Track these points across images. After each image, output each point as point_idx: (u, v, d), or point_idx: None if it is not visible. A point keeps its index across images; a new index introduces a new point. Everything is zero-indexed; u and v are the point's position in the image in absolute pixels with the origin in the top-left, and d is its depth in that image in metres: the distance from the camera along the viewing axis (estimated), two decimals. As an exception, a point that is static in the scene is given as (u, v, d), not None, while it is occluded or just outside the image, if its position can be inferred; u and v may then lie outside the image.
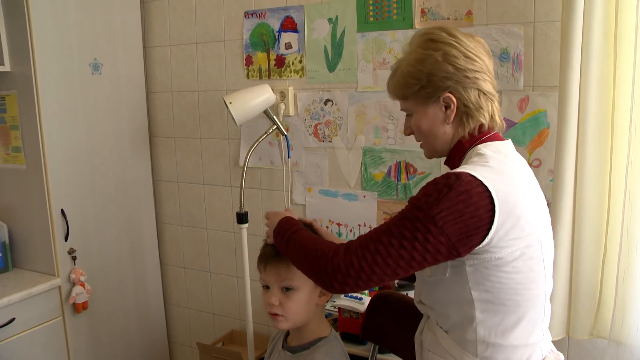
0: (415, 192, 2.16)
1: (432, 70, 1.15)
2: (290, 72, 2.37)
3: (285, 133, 2.33)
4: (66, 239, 2.35)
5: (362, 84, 2.22)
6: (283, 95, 2.37)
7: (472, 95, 1.15)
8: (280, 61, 2.39)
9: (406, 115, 1.27)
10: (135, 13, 2.65)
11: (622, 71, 1.63)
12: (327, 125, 2.33)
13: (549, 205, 1.89)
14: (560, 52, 1.70)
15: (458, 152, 1.21)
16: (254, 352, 2.38)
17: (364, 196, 2.30)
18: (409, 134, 1.29)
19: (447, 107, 1.17)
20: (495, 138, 1.20)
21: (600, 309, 1.75)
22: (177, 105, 2.73)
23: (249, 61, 2.47)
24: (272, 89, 2.32)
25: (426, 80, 1.16)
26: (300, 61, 2.34)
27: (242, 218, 2.27)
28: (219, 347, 2.57)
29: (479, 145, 1.17)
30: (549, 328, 1.66)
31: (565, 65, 1.66)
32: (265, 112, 2.25)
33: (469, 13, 1.97)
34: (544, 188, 1.89)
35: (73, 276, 2.36)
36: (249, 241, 2.35)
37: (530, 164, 1.90)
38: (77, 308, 2.38)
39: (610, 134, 1.68)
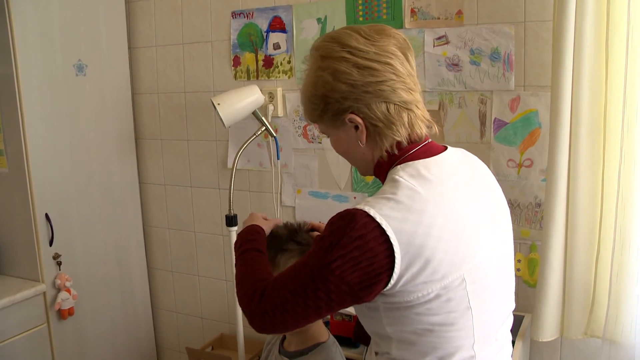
0: (406, 193, 2.16)
1: (325, 92, 1.02)
2: (279, 72, 2.35)
3: (275, 134, 2.31)
4: (51, 243, 2.29)
5: (352, 85, 2.20)
6: (271, 96, 2.34)
7: (379, 110, 1.00)
8: (269, 62, 2.36)
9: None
10: (120, 13, 2.60)
11: (613, 71, 1.63)
12: (317, 126, 2.30)
13: (540, 205, 1.91)
14: (553, 51, 1.70)
15: (380, 173, 1.09)
16: (244, 356, 2.35)
17: (355, 197, 2.28)
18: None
19: (356, 128, 1.03)
20: (419, 155, 1.04)
21: (594, 309, 1.74)
22: (163, 106, 2.69)
23: (236, 62, 2.44)
24: (261, 90, 2.29)
25: (323, 104, 1.03)
26: (289, 61, 2.32)
27: (231, 221, 2.24)
28: (209, 352, 2.53)
29: (397, 167, 1.02)
30: (543, 328, 1.66)
31: (558, 65, 1.65)
32: (254, 113, 2.22)
33: (460, 12, 1.96)
34: (536, 188, 1.92)
35: (58, 282, 2.31)
36: (238, 244, 2.32)
37: (521, 164, 1.91)
38: (63, 314, 2.33)
39: (602, 134, 1.68)
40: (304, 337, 1.37)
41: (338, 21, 2.18)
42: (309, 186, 2.37)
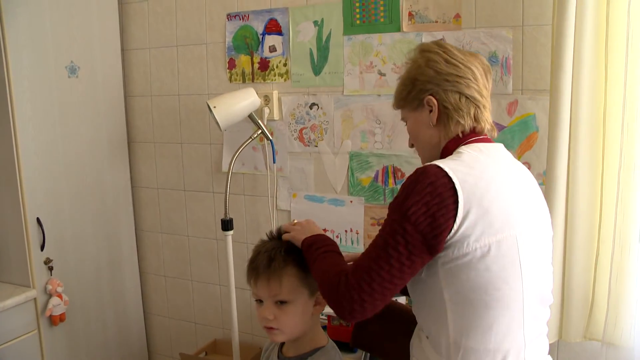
0: (403, 196, 2.15)
1: (416, 75, 1.25)
2: (275, 75, 2.33)
3: (270, 138, 2.29)
4: (42, 248, 2.25)
5: (349, 88, 2.19)
6: (267, 99, 2.32)
7: (452, 97, 1.21)
8: (264, 64, 2.35)
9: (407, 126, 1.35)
10: (113, 15, 2.57)
11: (613, 74, 1.64)
12: (313, 130, 2.29)
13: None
14: (552, 56, 1.70)
15: (444, 155, 1.23)
16: (239, 362, 2.33)
17: (351, 201, 2.26)
18: (412, 146, 1.35)
19: (431, 109, 1.23)
20: (479, 141, 1.22)
21: (593, 312, 1.75)
22: (156, 109, 2.66)
23: (231, 64, 2.42)
24: (256, 93, 2.27)
25: (411, 85, 1.25)
26: (285, 64, 2.30)
27: (227, 225, 2.21)
28: (202, 357, 2.50)
29: (462, 147, 1.20)
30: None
31: (557, 69, 1.66)
32: (250, 116, 2.21)
33: (457, 16, 1.96)
34: (534, 191, 1.91)
35: (50, 287, 2.26)
36: (233, 248, 2.29)
37: (519, 168, 1.90)
38: (54, 320, 2.28)
39: (602, 138, 1.68)
40: (303, 342, 1.35)
41: (335, 24, 2.17)
42: (304, 190, 2.36)
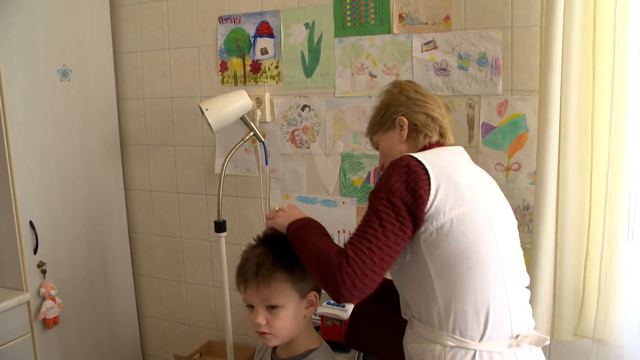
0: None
1: (389, 101, 1.45)
2: (267, 77, 2.34)
3: (263, 139, 2.30)
4: (35, 251, 2.25)
5: (340, 90, 2.20)
6: (259, 102, 2.33)
7: (420, 117, 1.40)
8: (256, 67, 2.36)
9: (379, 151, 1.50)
10: (104, 18, 2.57)
11: (601, 75, 1.66)
12: (305, 131, 2.30)
13: (528, 208, 1.92)
14: (541, 56, 1.72)
15: None
16: (233, 364, 2.33)
17: (343, 202, 2.27)
18: (382, 168, 1.45)
19: (401, 127, 1.40)
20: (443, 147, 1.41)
21: (583, 310, 1.76)
22: (149, 112, 2.66)
23: (223, 67, 2.43)
24: (248, 95, 2.28)
25: (385, 109, 1.45)
26: (277, 67, 2.31)
27: (220, 227, 2.22)
28: (197, 359, 2.51)
29: (428, 150, 1.36)
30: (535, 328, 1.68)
31: (546, 70, 1.68)
32: (242, 118, 2.22)
33: (447, 18, 1.98)
34: (524, 191, 1.94)
35: (43, 290, 2.26)
36: (226, 250, 2.30)
37: (509, 168, 1.93)
38: (48, 323, 2.28)
39: (590, 137, 1.70)
40: (296, 344, 1.35)
41: (326, 26, 2.19)
42: (297, 191, 2.37)
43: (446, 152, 1.35)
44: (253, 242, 1.37)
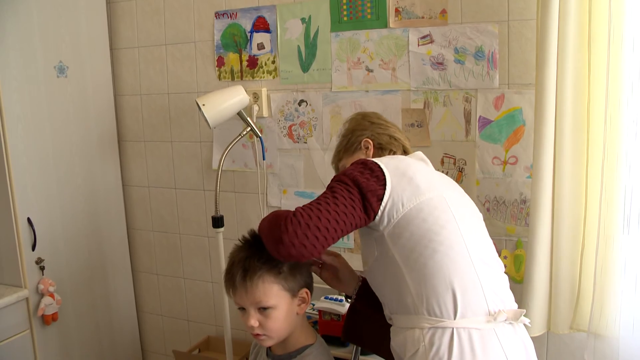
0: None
1: (354, 127, 1.57)
2: (263, 72, 2.34)
3: (260, 135, 2.30)
4: (33, 248, 2.26)
5: (337, 84, 2.20)
6: (256, 97, 2.33)
7: (384, 137, 1.52)
8: (253, 62, 2.35)
9: None
10: (101, 14, 2.57)
11: (596, 68, 1.66)
12: (302, 126, 2.30)
13: (525, 201, 1.93)
14: (537, 50, 1.72)
15: None
16: (232, 358, 2.33)
17: (341, 197, 2.27)
18: None
19: (367, 148, 1.51)
20: None
21: (579, 303, 1.77)
22: (146, 108, 2.66)
23: (220, 62, 2.43)
24: (245, 90, 2.28)
25: (350, 134, 1.56)
26: (273, 62, 2.31)
27: (217, 222, 2.22)
28: (196, 355, 2.51)
29: None
30: (531, 323, 1.69)
31: (542, 64, 1.68)
32: (239, 113, 2.21)
33: (444, 12, 1.98)
34: (521, 185, 1.94)
35: (41, 287, 2.27)
36: (224, 245, 2.30)
37: (506, 162, 1.94)
38: (47, 320, 2.29)
39: (586, 131, 1.70)
40: (291, 340, 1.35)
41: (322, 21, 2.18)
42: (294, 186, 2.37)
43: (402, 156, 1.44)
44: (239, 242, 1.34)
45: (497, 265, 1.31)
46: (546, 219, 1.75)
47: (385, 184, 1.22)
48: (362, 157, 1.48)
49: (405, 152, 1.53)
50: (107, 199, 2.66)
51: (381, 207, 1.21)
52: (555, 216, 1.76)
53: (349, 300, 1.51)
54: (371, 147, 1.51)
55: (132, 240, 2.83)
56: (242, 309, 1.30)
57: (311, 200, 1.23)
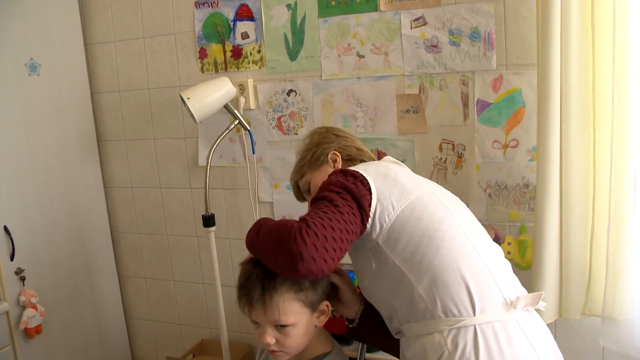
0: (389, 181, 2.09)
1: (319, 140, 1.49)
2: (249, 63, 2.23)
3: (248, 128, 2.20)
4: (12, 258, 2.12)
5: (327, 72, 2.11)
6: (242, 88, 2.23)
7: (352, 149, 1.47)
8: (237, 52, 2.25)
9: (307, 195, 1.50)
10: (73, 8, 2.43)
11: (601, 44, 1.59)
12: (292, 117, 2.21)
13: (527, 185, 1.87)
14: (538, 27, 1.65)
15: None
16: (229, 362, 2.24)
17: (335, 189, 2.19)
18: None
19: (335, 161, 1.44)
20: None
21: (591, 287, 1.71)
22: (126, 105, 2.54)
23: (202, 54, 2.31)
24: (230, 82, 2.18)
25: (315, 147, 1.48)
26: (259, 51, 2.21)
27: (208, 221, 2.12)
28: (190, 360, 2.42)
29: None
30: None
31: (545, 41, 1.61)
32: (226, 106, 2.11)
33: (437, -8, 1.90)
34: (523, 168, 1.88)
35: (23, 298, 2.14)
36: (215, 244, 2.20)
37: (507, 145, 1.87)
38: (30, 333, 2.16)
39: (592, 109, 1.64)
40: (307, 350, 1.25)
41: (309, 6, 2.09)
42: (286, 180, 2.27)
43: (374, 161, 1.40)
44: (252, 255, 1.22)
45: (498, 252, 1.26)
46: (554, 202, 1.69)
47: (370, 189, 1.16)
48: (329, 170, 1.40)
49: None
50: (89, 201, 2.54)
51: (371, 214, 1.15)
52: (563, 199, 1.70)
53: (351, 325, 1.37)
54: (339, 159, 1.45)
55: (116, 244, 2.71)
56: (256, 322, 1.20)
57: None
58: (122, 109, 2.54)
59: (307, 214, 1.10)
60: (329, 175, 1.22)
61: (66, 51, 2.39)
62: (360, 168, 1.23)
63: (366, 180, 1.17)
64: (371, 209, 1.15)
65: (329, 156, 1.45)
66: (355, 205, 1.14)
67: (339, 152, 1.45)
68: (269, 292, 1.15)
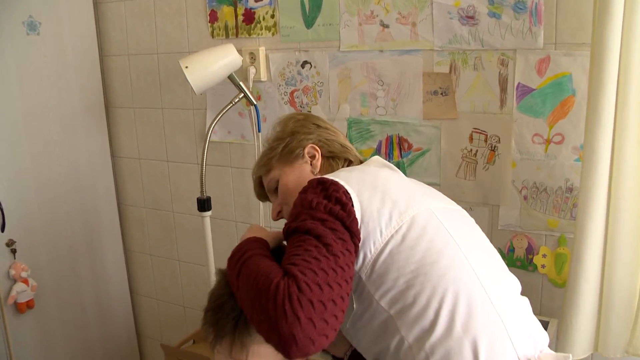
0: (410, 171, 1.82)
1: (295, 128, 1.20)
2: (261, 29, 1.99)
3: (255, 102, 1.96)
4: (2, 229, 2.00)
5: (346, 42, 1.84)
6: (253, 57, 1.99)
7: (335, 145, 1.19)
8: (249, 16, 2.00)
9: (272, 195, 1.21)
10: (79, -40, 2.24)
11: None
12: (305, 92, 1.96)
13: (571, 190, 1.57)
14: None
15: None
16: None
17: (350, 176, 1.94)
18: (278, 216, 1.19)
19: (312, 157, 1.17)
20: None
21: (638, 322, 1.42)
22: (134, 70, 2.35)
23: (213, 17, 2.08)
24: (240, 50, 1.95)
25: (289, 137, 1.19)
26: (273, 16, 1.95)
27: (203, 205, 1.92)
28: (185, 349, 2.26)
29: None
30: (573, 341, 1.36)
31: (603, 17, 1.29)
32: (230, 77, 1.88)
33: (477, -49, 1.58)
34: (567, 169, 1.57)
35: (13, 272, 2.03)
36: (220, 227, 2.03)
37: (550, 140, 1.57)
38: (20, 308, 2.06)
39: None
40: None
41: (329, -35, 1.81)
42: (298, 162, 2.04)
43: (360, 166, 1.14)
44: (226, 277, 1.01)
45: (513, 289, 0.99)
46: (599, 212, 1.40)
47: (353, 200, 0.92)
48: (305, 168, 1.15)
49: (361, 163, 1.20)
50: (94, 171, 2.39)
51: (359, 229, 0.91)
52: (611, 209, 1.40)
53: None
54: (318, 155, 1.16)
55: (123, 217, 2.57)
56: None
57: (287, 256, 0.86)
58: (130, 74, 2.36)
59: (292, 261, 0.82)
60: (305, 191, 0.96)
61: (71, 9, 2.21)
62: (340, 176, 0.98)
63: (348, 194, 0.93)
64: (359, 220, 0.91)
65: (306, 150, 1.17)
66: (347, 236, 0.88)
67: (319, 147, 1.18)
68: (240, 336, 0.96)
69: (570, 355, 0.92)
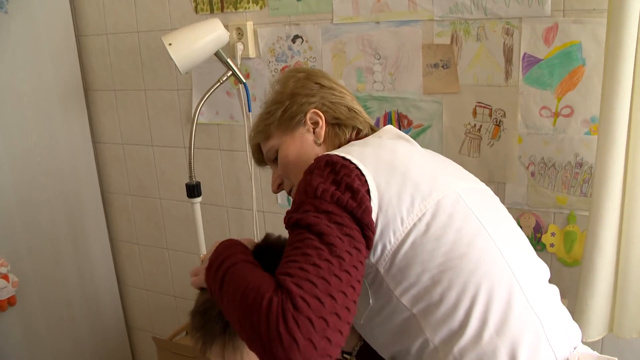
0: (409, 150, 1.73)
1: (294, 88, 1.07)
2: (248, 2, 1.87)
3: (244, 80, 1.85)
4: (-23, 223, 1.89)
5: (339, 15, 1.73)
6: (240, 33, 1.87)
7: (342, 109, 1.06)
8: (235, -12, 1.88)
9: (272, 165, 1.11)
10: None
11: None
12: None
13: (581, 165, 1.49)
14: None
15: None
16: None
17: (346, 157, 1.85)
18: (279, 189, 1.10)
19: (315, 124, 1.06)
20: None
21: (657, 302, 1.36)
22: (114, 50, 2.22)
23: (196, -10, 1.96)
24: (227, 26, 1.84)
25: (289, 100, 1.06)
26: (260, -13, 1.84)
27: (193, 190, 1.82)
28: (178, 341, 2.18)
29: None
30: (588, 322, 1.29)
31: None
32: (217, 54, 1.77)
33: None
34: (577, 143, 1.49)
35: (-9, 268, 1.92)
36: (210, 212, 1.93)
37: (558, 113, 1.49)
38: (2, 306, 1.95)
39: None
40: None
41: None
42: (291, 143, 1.94)
43: (374, 138, 1.01)
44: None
45: (544, 276, 0.91)
46: (616, 189, 1.32)
47: (368, 184, 0.81)
48: (307, 137, 1.03)
49: (372, 131, 1.08)
50: (74, 158, 2.27)
51: (375, 221, 0.81)
52: (627, 186, 1.33)
53: (347, 357, 1.07)
54: (322, 122, 1.04)
55: (108, 206, 2.46)
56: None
57: (284, 261, 0.76)
58: (110, 54, 2.23)
59: (287, 270, 0.72)
60: (310, 172, 0.84)
61: (42, -15, 2.07)
62: (353, 153, 0.86)
63: (364, 178, 0.82)
64: (375, 221, 0.81)
65: (308, 116, 1.04)
66: (357, 231, 0.77)
67: (322, 112, 1.05)
68: (231, 337, 0.91)
69: (616, 358, 0.85)
